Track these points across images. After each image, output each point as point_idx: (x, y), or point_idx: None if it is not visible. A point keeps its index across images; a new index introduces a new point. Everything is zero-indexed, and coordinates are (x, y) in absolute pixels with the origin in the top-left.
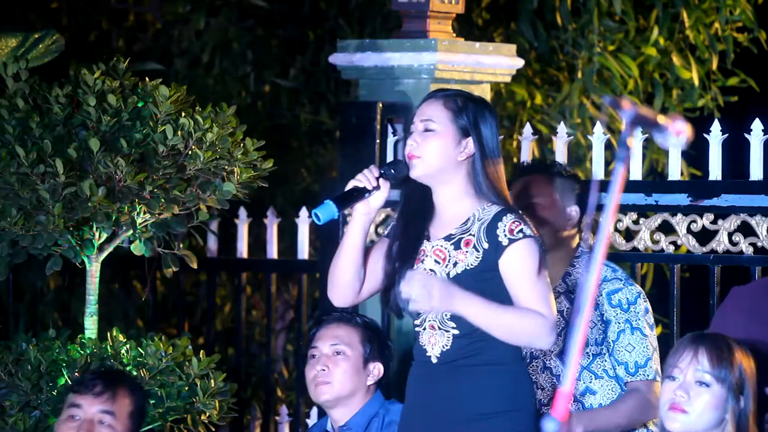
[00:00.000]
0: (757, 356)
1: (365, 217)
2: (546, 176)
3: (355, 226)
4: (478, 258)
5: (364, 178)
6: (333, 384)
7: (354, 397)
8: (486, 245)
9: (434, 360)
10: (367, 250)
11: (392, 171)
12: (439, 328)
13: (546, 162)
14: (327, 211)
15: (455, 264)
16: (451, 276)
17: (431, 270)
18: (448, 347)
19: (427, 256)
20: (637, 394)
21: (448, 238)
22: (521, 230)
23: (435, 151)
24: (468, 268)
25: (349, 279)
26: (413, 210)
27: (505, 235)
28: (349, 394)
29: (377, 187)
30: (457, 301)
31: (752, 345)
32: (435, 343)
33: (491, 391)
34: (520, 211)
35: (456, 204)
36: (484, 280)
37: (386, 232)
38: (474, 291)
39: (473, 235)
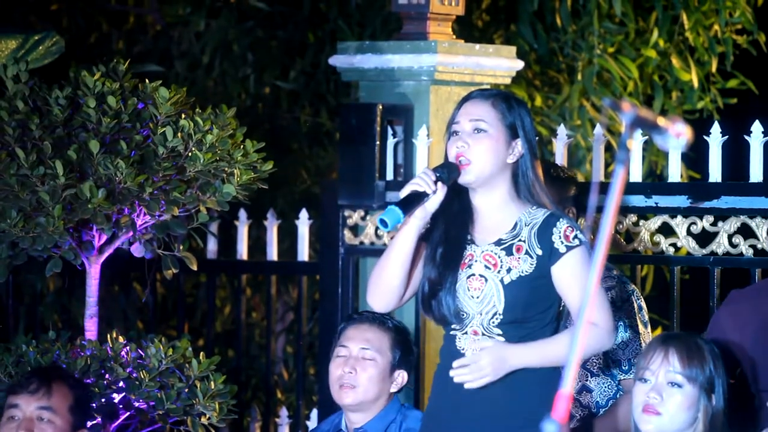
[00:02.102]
0: (728, 354)
1: (420, 221)
2: (547, 178)
3: (410, 230)
4: (532, 265)
5: (423, 182)
6: (358, 389)
7: (376, 403)
8: (540, 251)
9: None
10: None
11: (446, 173)
12: (483, 334)
13: (544, 163)
14: (393, 216)
15: (509, 270)
16: (505, 282)
17: (481, 275)
18: None
19: (475, 260)
20: (631, 396)
21: (498, 243)
22: (576, 236)
23: (487, 153)
24: (523, 274)
25: (396, 284)
26: (454, 213)
27: (562, 242)
28: (372, 400)
29: (434, 191)
30: (512, 362)
31: (724, 343)
32: (476, 349)
33: (529, 398)
34: (568, 215)
35: (500, 208)
36: (538, 287)
37: (422, 236)
38: (526, 297)
39: (524, 241)
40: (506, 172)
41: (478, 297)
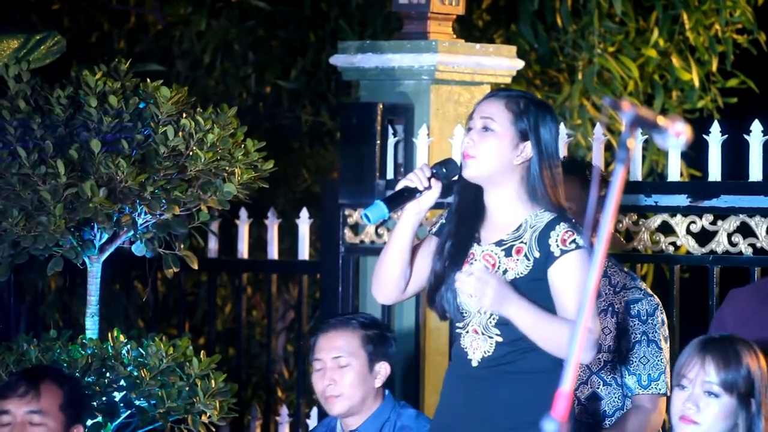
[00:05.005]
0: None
1: (416, 216)
2: (580, 178)
3: (405, 225)
4: (528, 267)
5: (416, 178)
6: (343, 396)
7: (365, 402)
8: (537, 254)
9: (474, 364)
10: (413, 248)
11: (443, 170)
12: (483, 333)
13: (580, 161)
14: (377, 211)
15: (505, 271)
16: None
17: None
18: (490, 353)
19: (476, 259)
20: (641, 411)
21: (499, 243)
22: (574, 240)
23: (491, 152)
24: (518, 276)
25: (395, 277)
26: (466, 209)
27: (558, 246)
28: (360, 402)
29: (428, 187)
30: (509, 305)
31: (763, 342)
32: (477, 348)
33: (531, 400)
34: (573, 219)
35: (508, 208)
36: (533, 289)
37: (434, 230)
38: None
39: (525, 243)
40: (514, 173)
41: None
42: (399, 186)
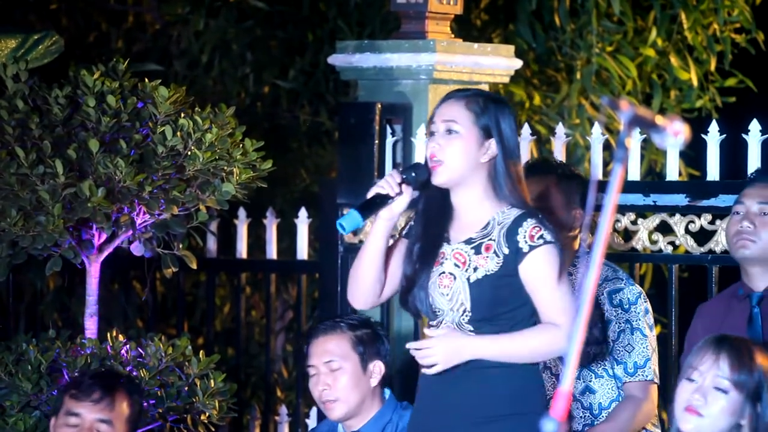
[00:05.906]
0: None
1: (388, 222)
2: (552, 177)
3: (378, 231)
4: (498, 263)
5: (387, 185)
6: (340, 400)
7: (364, 403)
8: (506, 250)
9: None
10: (386, 250)
11: (413, 175)
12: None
13: (552, 162)
14: (352, 220)
15: (476, 269)
16: (471, 281)
17: (451, 273)
18: None
19: (446, 259)
20: (632, 400)
21: (468, 241)
22: (542, 236)
23: (458, 154)
24: (488, 273)
25: (370, 282)
26: (434, 211)
27: (526, 242)
28: (358, 403)
29: (399, 193)
30: (467, 353)
31: None
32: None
33: (504, 394)
34: (540, 215)
35: (475, 206)
36: (504, 285)
37: (404, 232)
38: (492, 295)
39: (493, 240)
40: (481, 172)
41: (447, 294)
42: (370, 193)
